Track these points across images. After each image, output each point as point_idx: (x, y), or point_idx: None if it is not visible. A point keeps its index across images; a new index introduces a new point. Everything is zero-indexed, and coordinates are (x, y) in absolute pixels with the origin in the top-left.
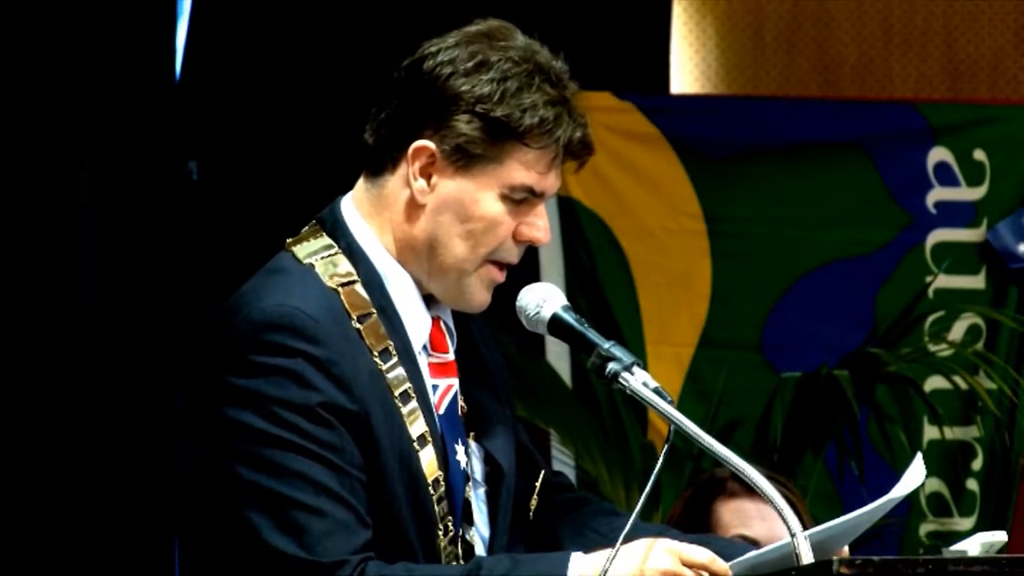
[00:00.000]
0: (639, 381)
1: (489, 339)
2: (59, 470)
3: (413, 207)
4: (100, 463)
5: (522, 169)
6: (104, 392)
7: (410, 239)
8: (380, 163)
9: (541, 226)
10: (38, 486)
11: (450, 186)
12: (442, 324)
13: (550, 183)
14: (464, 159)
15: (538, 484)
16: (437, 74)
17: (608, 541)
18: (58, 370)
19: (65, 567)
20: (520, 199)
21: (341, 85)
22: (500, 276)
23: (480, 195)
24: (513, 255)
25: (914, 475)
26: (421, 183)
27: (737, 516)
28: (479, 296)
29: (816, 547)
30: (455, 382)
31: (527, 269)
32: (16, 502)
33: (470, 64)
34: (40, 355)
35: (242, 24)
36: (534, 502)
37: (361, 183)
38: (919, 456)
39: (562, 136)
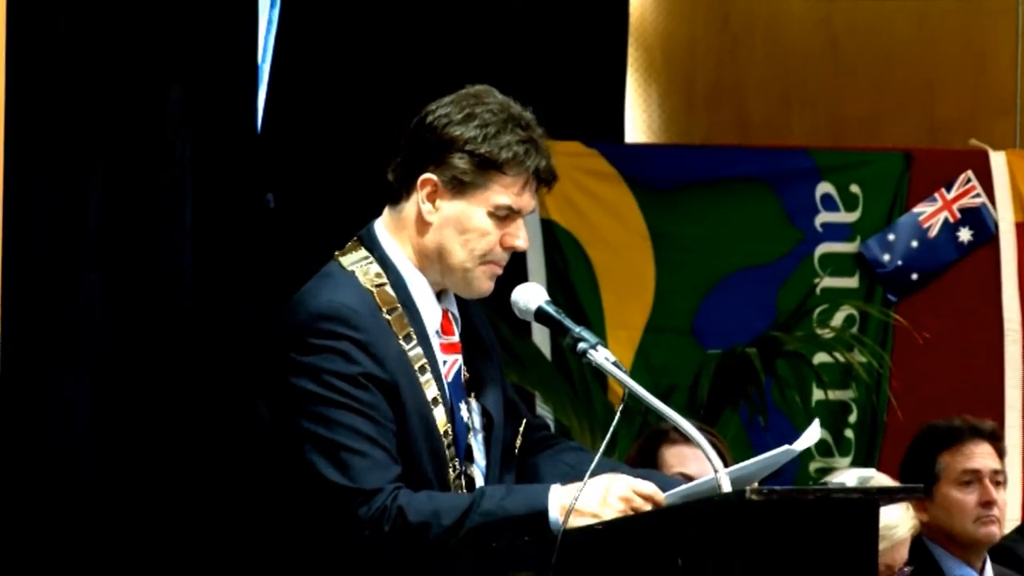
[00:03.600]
0: (602, 356)
1: (484, 319)
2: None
3: (423, 225)
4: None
5: (503, 192)
6: (199, 372)
7: (424, 249)
8: (398, 194)
9: (521, 235)
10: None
11: (449, 207)
12: (450, 314)
13: (525, 202)
14: (459, 186)
15: (521, 429)
16: (436, 124)
17: (576, 471)
18: (164, 360)
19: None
20: (503, 215)
21: (382, 137)
22: (498, 270)
23: (472, 213)
24: (503, 258)
25: (810, 436)
26: (428, 206)
27: (677, 458)
28: (483, 286)
29: (734, 483)
30: (459, 357)
31: (517, 273)
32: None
33: (460, 116)
34: (150, 350)
35: (308, 89)
36: (518, 442)
37: (386, 210)
38: (816, 422)
39: (531, 165)
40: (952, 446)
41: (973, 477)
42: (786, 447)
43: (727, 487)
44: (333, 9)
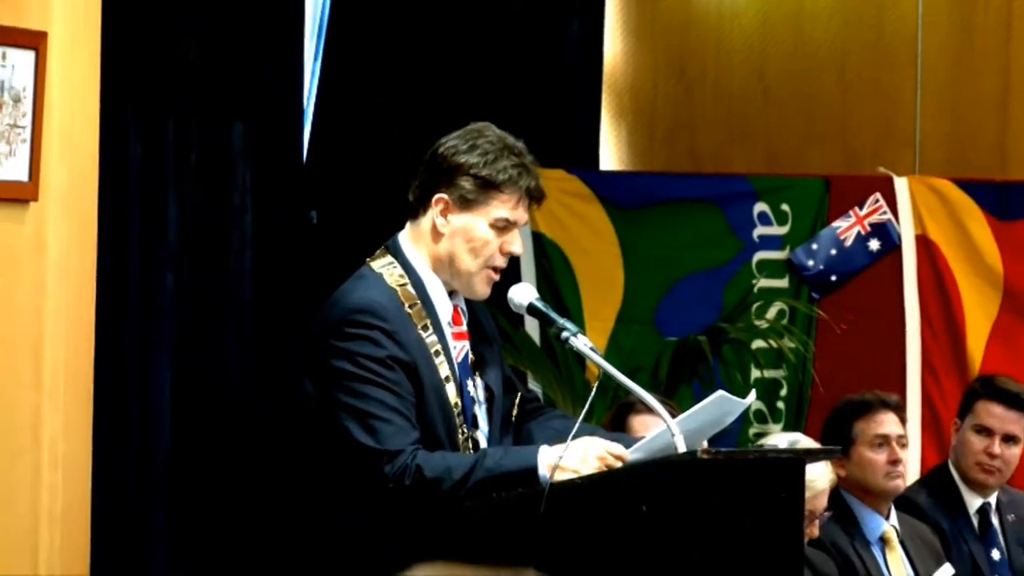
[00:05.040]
0: (581, 343)
1: (487, 313)
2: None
3: (437, 235)
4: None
5: (501, 207)
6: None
7: (437, 255)
8: (416, 211)
9: (516, 243)
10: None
11: (458, 220)
12: (459, 308)
13: (519, 215)
14: (466, 203)
15: (516, 401)
16: (446, 153)
17: (561, 436)
18: (226, 345)
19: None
20: (502, 226)
21: (402, 165)
22: (495, 276)
23: (477, 224)
24: (501, 263)
25: (748, 398)
26: (441, 220)
27: (642, 424)
28: (482, 290)
29: (687, 438)
30: (467, 343)
31: (513, 275)
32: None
33: (466, 146)
34: (215, 336)
35: (344, 128)
36: (515, 412)
37: (407, 224)
38: (752, 392)
39: (523, 185)
40: (865, 415)
41: (882, 440)
42: (720, 392)
43: (682, 447)
44: (365, 67)
